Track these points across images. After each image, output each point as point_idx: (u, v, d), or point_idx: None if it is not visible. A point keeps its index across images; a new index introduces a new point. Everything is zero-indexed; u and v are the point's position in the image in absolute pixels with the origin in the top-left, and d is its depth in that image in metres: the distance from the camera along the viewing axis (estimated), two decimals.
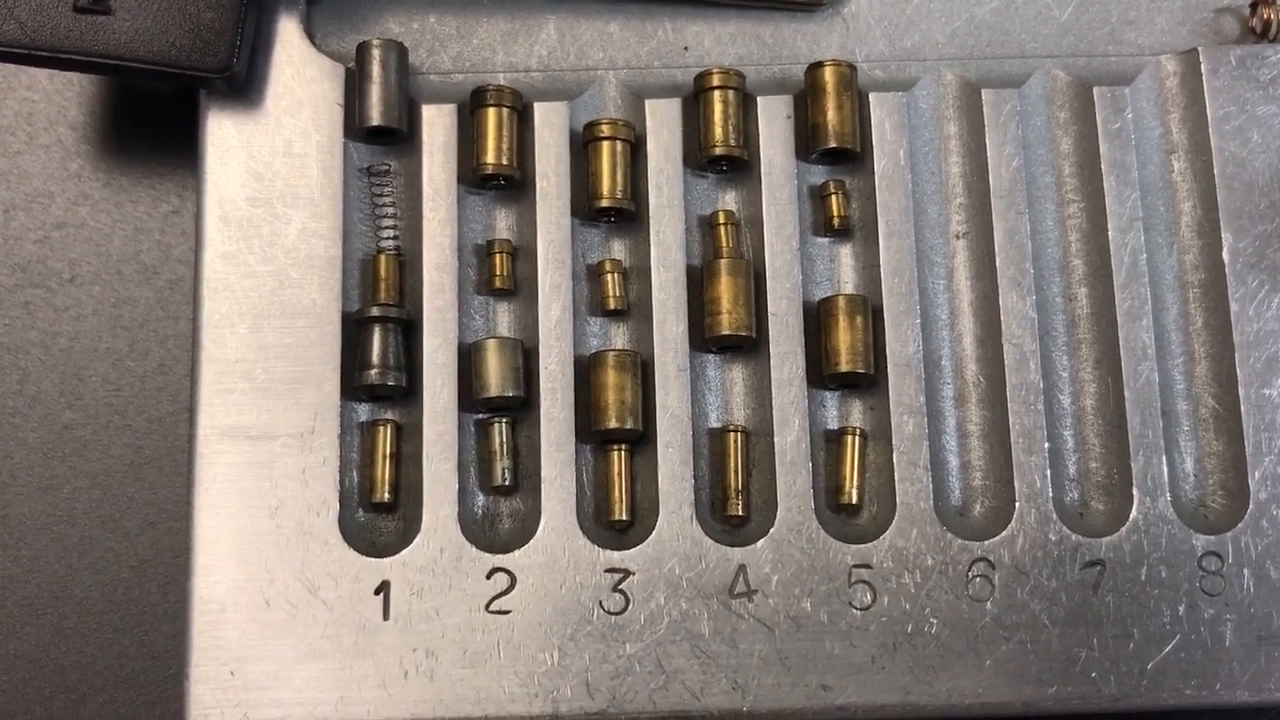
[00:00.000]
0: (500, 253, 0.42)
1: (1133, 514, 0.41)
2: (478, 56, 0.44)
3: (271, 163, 0.42)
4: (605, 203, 0.42)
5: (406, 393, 0.41)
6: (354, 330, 0.41)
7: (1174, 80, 0.44)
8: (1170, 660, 0.40)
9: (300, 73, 0.42)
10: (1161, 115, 0.44)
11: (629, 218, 0.43)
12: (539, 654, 0.40)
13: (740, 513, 0.41)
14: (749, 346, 0.42)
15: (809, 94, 0.43)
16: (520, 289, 0.42)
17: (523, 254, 0.43)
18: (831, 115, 0.42)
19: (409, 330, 0.42)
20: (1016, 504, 0.41)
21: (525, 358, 0.42)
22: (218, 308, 0.41)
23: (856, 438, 0.41)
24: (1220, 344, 0.42)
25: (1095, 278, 0.42)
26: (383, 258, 0.42)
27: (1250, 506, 0.41)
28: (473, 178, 0.42)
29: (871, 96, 0.43)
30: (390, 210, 0.43)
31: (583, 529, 0.40)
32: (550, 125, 0.43)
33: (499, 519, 0.41)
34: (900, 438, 0.41)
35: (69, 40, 0.41)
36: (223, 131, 0.42)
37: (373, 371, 0.41)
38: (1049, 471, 0.41)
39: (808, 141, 0.43)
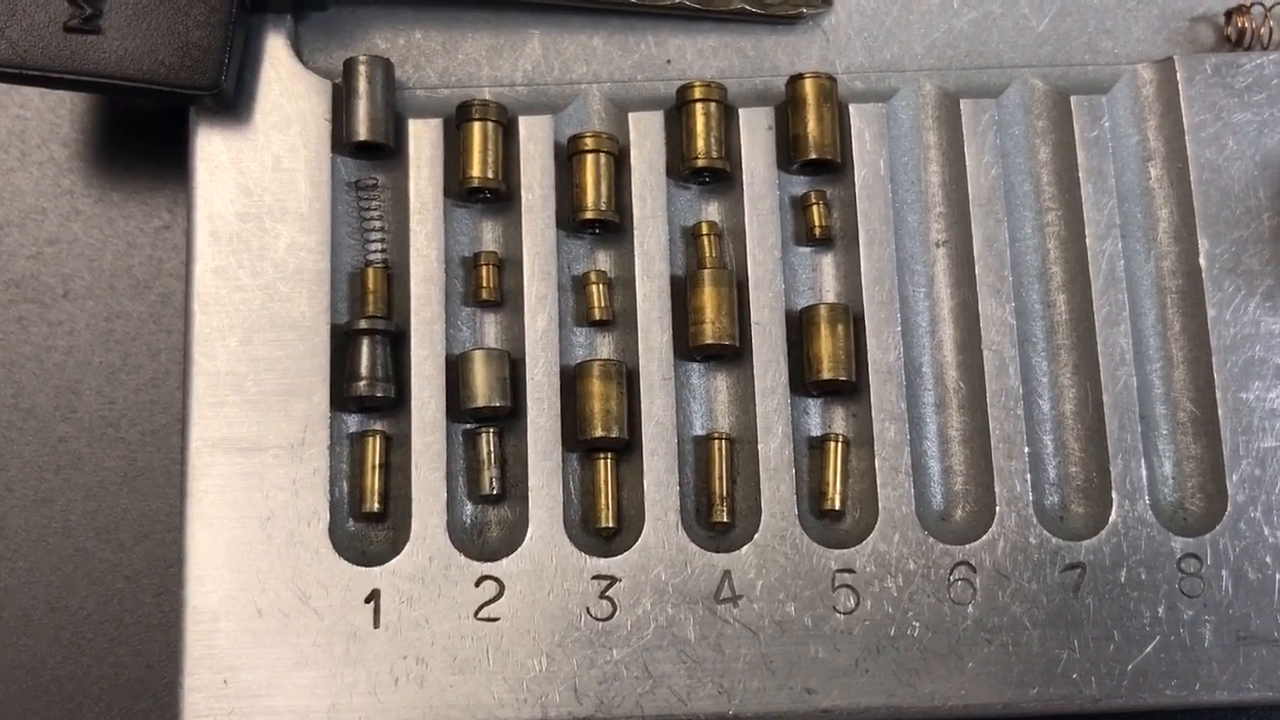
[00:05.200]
0: (486, 264, 0.43)
1: (1112, 517, 0.41)
2: (463, 71, 0.44)
3: (260, 178, 0.42)
4: (590, 215, 0.43)
5: (395, 404, 0.42)
6: (343, 342, 0.42)
7: (1150, 88, 0.44)
8: (1150, 661, 0.40)
9: (288, 89, 0.43)
10: (1138, 123, 0.44)
11: (613, 229, 0.43)
12: (527, 660, 0.40)
13: (725, 519, 0.41)
14: (732, 355, 0.42)
15: (790, 106, 0.43)
16: (506, 300, 0.43)
17: (509, 266, 0.43)
18: (812, 126, 0.43)
19: (397, 342, 0.42)
20: (997, 508, 0.41)
21: (512, 368, 0.42)
22: (209, 321, 0.42)
23: (839, 444, 0.42)
24: (1198, 348, 0.42)
25: (1074, 284, 0.43)
26: (371, 271, 0.43)
27: (1228, 509, 0.41)
28: (459, 191, 0.43)
29: (851, 107, 0.43)
30: (378, 224, 0.43)
31: (570, 536, 0.41)
32: (535, 139, 0.43)
33: (487, 527, 0.42)
34: (882, 444, 0.41)
35: (60, 59, 0.41)
36: (212, 148, 0.42)
37: (361, 383, 0.41)
38: (1029, 476, 0.41)
39: (789, 152, 0.43)
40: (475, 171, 0.43)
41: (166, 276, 0.47)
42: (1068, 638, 0.40)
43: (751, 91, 0.44)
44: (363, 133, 0.42)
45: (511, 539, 0.41)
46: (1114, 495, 0.41)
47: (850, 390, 0.42)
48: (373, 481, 0.41)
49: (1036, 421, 0.42)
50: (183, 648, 0.40)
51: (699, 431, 0.42)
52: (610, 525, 0.41)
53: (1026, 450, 0.41)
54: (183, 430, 0.41)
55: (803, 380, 0.42)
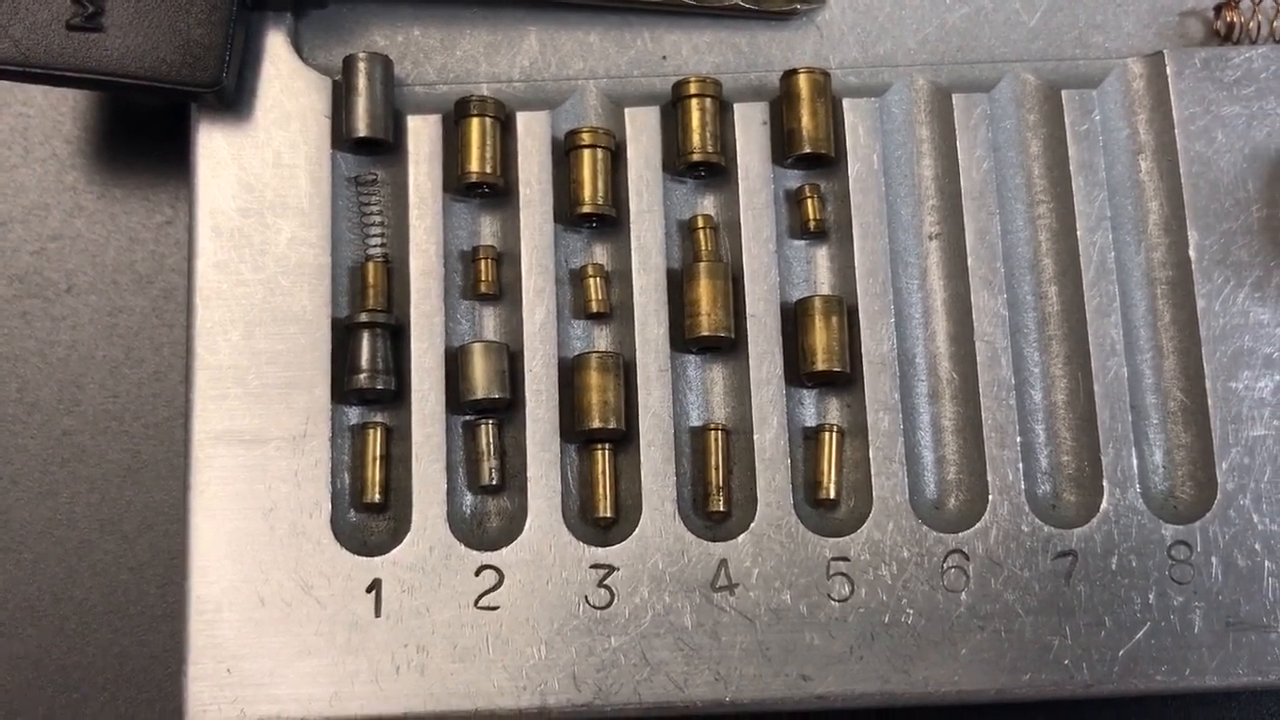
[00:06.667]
0: (485, 258, 0.43)
1: (1103, 505, 0.42)
2: (461, 68, 0.45)
3: (261, 174, 0.43)
4: (587, 209, 0.43)
5: (395, 396, 0.42)
6: (343, 336, 0.42)
7: (1140, 82, 0.45)
8: (1141, 647, 0.41)
9: (288, 86, 0.43)
10: (1128, 117, 0.44)
11: (610, 223, 0.44)
12: (526, 648, 0.40)
13: (721, 508, 0.42)
14: (728, 347, 0.43)
15: (784, 100, 0.44)
16: (505, 294, 0.43)
17: (507, 259, 0.43)
18: (806, 121, 0.43)
19: (397, 335, 0.43)
20: (990, 497, 0.42)
21: (510, 360, 0.42)
22: (211, 315, 0.42)
23: (834, 434, 0.42)
24: (1187, 339, 0.43)
25: (1065, 276, 0.43)
26: (371, 265, 0.43)
27: (1218, 497, 0.42)
28: (457, 186, 0.43)
29: (845, 102, 0.44)
30: (378, 219, 0.44)
31: (568, 526, 0.41)
32: (532, 134, 0.43)
33: (487, 517, 0.42)
34: (876, 434, 0.42)
35: (62, 57, 0.41)
36: (214, 144, 0.43)
37: (362, 376, 0.42)
38: (1021, 465, 0.42)
39: (783, 147, 0.44)
40: (474, 167, 0.43)
41: (169, 271, 0.47)
42: (1059, 624, 0.41)
43: (746, 87, 0.45)
44: (362, 129, 0.43)
45: (511, 529, 0.42)
46: (1105, 484, 0.42)
47: (844, 381, 0.43)
48: (374, 473, 0.42)
49: (1028, 411, 0.43)
50: (186, 638, 0.40)
51: (695, 422, 0.43)
52: (608, 515, 0.42)
53: (1019, 440, 0.42)
54: (185, 423, 0.41)
55: (797, 371, 0.43)
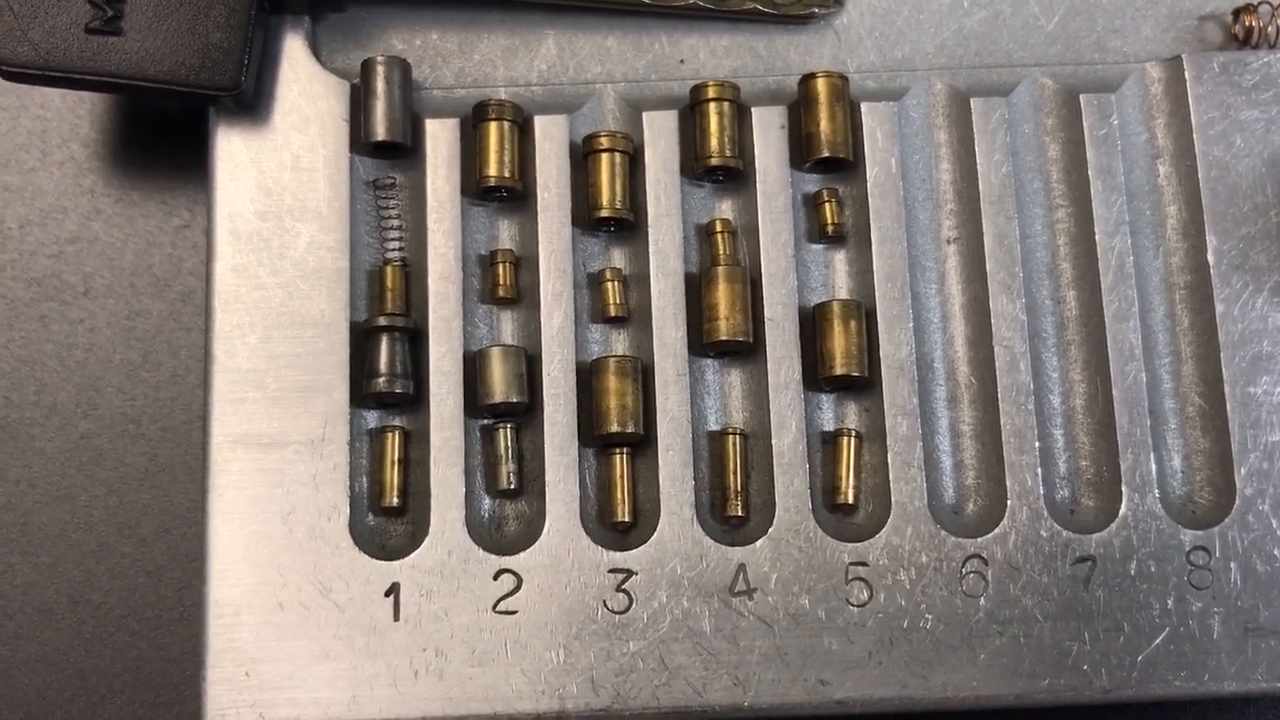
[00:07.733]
0: (503, 262, 0.43)
1: (1122, 510, 0.42)
2: (479, 72, 0.45)
3: (280, 177, 0.43)
4: (605, 213, 0.43)
5: (413, 400, 0.42)
6: (362, 340, 0.42)
7: (1159, 87, 0.45)
8: (1160, 652, 0.41)
9: (307, 90, 0.43)
10: (1147, 121, 0.44)
11: (628, 227, 0.44)
12: (545, 652, 0.41)
13: (739, 513, 0.42)
14: (746, 351, 0.43)
15: (802, 104, 0.44)
16: (523, 297, 0.43)
17: (525, 263, 0.43)
18: (824, 125, 0.43)
19: (415, 339, 0.43)
20: (1008, 502, 0.42)
21: (528, 364, 0.42)
22: (229, 319, 0.42)
23: (852, 439, 0.42)
24: (1206, 344, 0.43)
25: (1083, 280, 0.43)
26: (389, 269, 0.43)
27: (1236, 502, 0.42)
28: (476, 190, 0.43)
29: (863, 106, 0.44)
30: (396, 222, 0.44)
31: (586, 530, 0.41)
32: (550, 138, 0.43)
33: (505, 522, 0.42)
34: (895, 438, 0.42)
35: (81, 61, 0.41)
36: (232, 147, 0.43)
37: (380, 380, 0.42)
38: (1040, 470, 0.42)
39: (801, 151, 0.44)
40: (492, 170, 0.43)
41: (186, 275, 0.47)
42: (1078, 630, 0.41)
43: (764, 90, 0.45)
44: (381, 132, 0.43)
45: (529, 533, 0.42)
46: (1124, 489, 0.42)
47: (863, 385, 0.43)
48: (392, 476, 0.42)
49: (1047, 416, 0.43)
50: (205, 641, 0.40)
51: (713, 427, 0.43)
52: (626, 519, 0.42)
53: (1037, 445, 0.42)
54: (204, 426, 0.41)
55: (816, 376, 0.43)
